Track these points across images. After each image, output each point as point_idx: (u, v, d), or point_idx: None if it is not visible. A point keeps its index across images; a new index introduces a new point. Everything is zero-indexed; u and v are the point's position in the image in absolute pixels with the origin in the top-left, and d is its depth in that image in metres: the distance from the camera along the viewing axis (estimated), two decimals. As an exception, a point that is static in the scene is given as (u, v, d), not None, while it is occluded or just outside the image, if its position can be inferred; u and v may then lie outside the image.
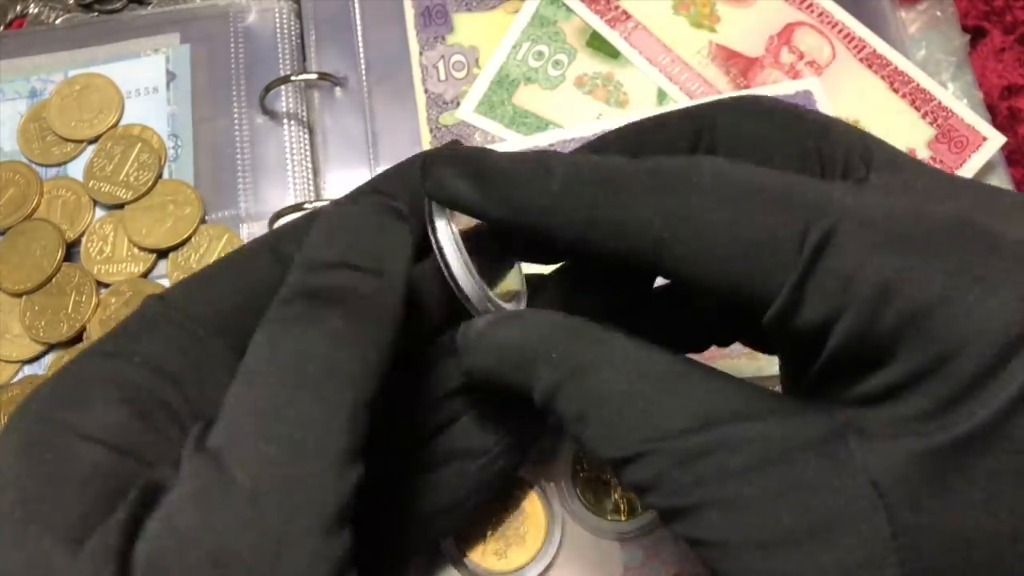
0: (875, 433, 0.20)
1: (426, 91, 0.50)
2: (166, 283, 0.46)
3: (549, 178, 0.23)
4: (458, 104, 0.50)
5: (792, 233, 0.21)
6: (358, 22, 0.52)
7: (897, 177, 0.24)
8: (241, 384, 0.22)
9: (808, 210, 0.21)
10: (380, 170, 0.49)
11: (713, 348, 0.31)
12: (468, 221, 0.27)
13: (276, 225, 0.47)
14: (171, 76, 0.51)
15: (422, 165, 0.26)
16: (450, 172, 0.25)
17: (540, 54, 0.51)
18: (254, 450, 0.20)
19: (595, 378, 0.23)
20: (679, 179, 0.22)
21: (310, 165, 0.50)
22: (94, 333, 0.45)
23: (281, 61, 0.51)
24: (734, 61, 0.50)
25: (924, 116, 0.49)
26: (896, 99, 0.49)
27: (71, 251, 0.47)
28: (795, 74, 0.50)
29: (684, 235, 0.22)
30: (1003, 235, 0.20)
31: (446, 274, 0.26)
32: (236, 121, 0.50)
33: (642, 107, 0.49)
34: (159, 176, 0.48)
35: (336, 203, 0.26)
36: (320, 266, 0.24)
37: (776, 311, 0.21)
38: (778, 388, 0.27)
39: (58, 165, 0.49)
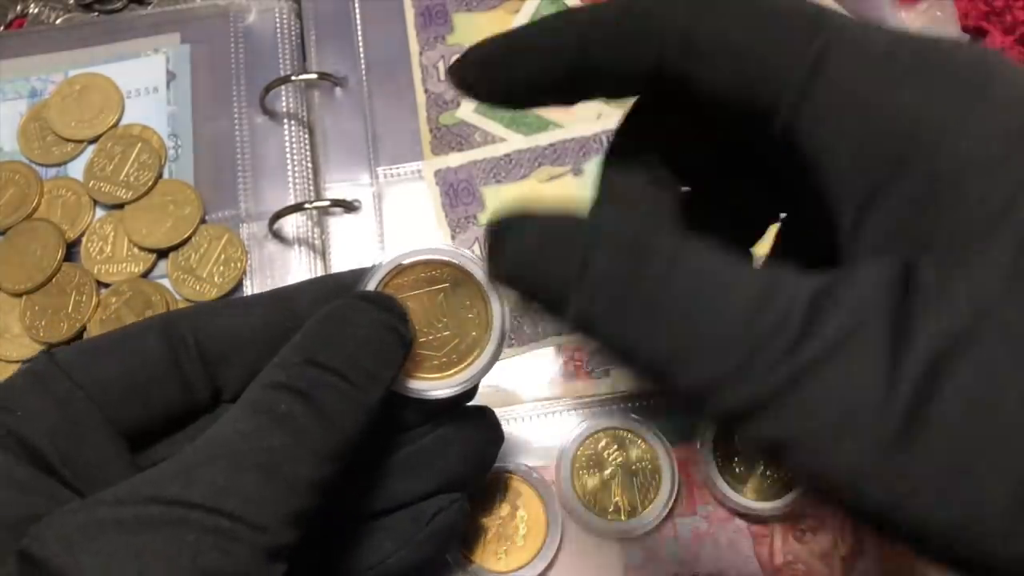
0: (946, 247, 0.19)
1: (426, 91, 0.50)
2: (166, 283, 0.46)
3: (578, 12, 0.24)
4: (458, 104, 0.50)
5: (798, 40, 0.21)
6: (358, 22, 0.52)
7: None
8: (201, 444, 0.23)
9: (812, 22, 0.22)
10: (380, 170, 0.49)
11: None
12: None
13: (275, 225, 0.47)
14: (171, 76, 0.51)
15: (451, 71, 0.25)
16: (477, 48, 0.25)
17: (540, 54, 0.50)
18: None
19: (654, 264, 0.20)
20: None
21: (310, 165, 0.50)
22: (94, 333, 0.45)
23: (281, 61, 0.51)
24: (734, 61, 0.50)
25: (924, 116, 0.49)
26: (896, 99, 0.49)
27: (71, 251, 0.47)
28: (795, 74, 0.50)
29: (707, 33, 0.22)
30: (990, 57, 0.21)
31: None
32: (236, 121, 0.50)
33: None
34: (159, 176, 0.48)
35: (350, 306, 0.27)
36: (315, 366, 0.25)
37: (785, 113, 0.21)
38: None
39: (58, 165, 0.49)
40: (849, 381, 0.18)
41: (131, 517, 0.21)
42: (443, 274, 0.29)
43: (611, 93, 0.25)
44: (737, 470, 0.42)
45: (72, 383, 0.26)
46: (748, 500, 0.41)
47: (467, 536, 0.40)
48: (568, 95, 0.26)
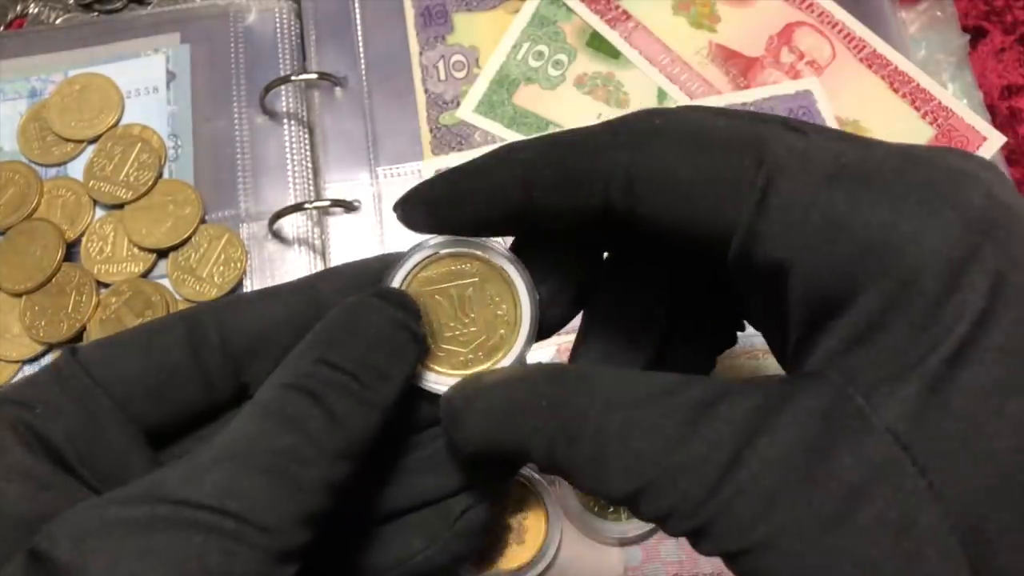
0: (874, 377, 0.20)
1: (426, 91, 0.50)
2: (166, 283, 0.46)
3: (518, 150, 0.25)
4: (458, 104, 0.50)
5: (743, 170, 0.22)
6: (358, 22, 0.52)
7: (828, 132, 0.25)
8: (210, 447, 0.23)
9: (755, 149, 0.22)
10: (380, 170, 0.49)
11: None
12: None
13: (275, 225, 0.47)
14: (171, 76, 0.51)
15: (394, 208, 0.27)
16: (420, 190, 0.26)
17: (540, 54, 0.51)
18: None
19: (593, 415, 0.22)
20: (642, 125, 0.24)
21: (310, 165, 0.50)
22: (94, 333, 0.45)
23: (281, 61, 0.51)
24: (734, 61, 0.50)
25: (924, 116, 0.49)
26: (896, 99, 0.49)
27: (71, 251, 0.47)
28: (795, 74, 0.50)
29: (651, 170, 0.23)
30: (936, 162, 0.21)
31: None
32: (236, 121, 0.50)
33: (642, 107, 0.49)
34: (159, 176, 0.48)
35: (362, 304, 0.26)
36: (325, 366, 0.25)
37: (737, 247, 0.22)
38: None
39: (58, 165, 0.49)
40: (772, 508, 0.20)
41: (139, 517, 0.21)
42: (473, 268, 0.28)
43: (560, 227, 0.26)
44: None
45: (92, 381, 0.26)
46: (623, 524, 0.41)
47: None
48: (516, 230, 0.27)
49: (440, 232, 0.27)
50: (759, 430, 0.21)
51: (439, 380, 0.27)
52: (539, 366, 0.25)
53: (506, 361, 0.28)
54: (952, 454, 0.19)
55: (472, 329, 0.28)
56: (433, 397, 0.27)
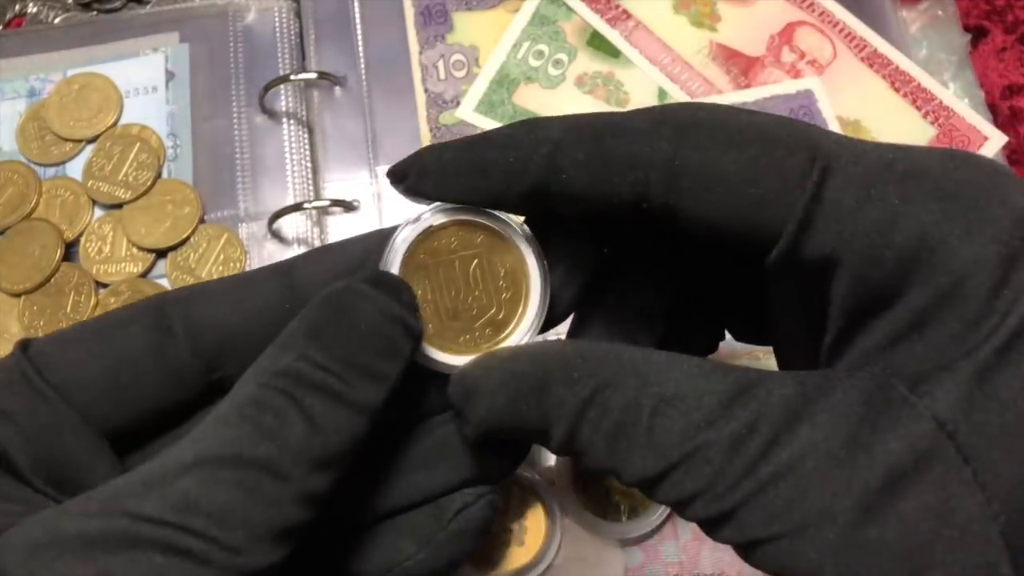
0: (918, 370, 0.20)
1: (426, 90, 0.50)
2: (165, 283, 0.46)
3: (546, 127, 0.23)
4: (458, 103, 0.50)
5: (796, 164, 0.21)
6: (357, 21, 0.52)
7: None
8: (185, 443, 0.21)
9: (807, 144, 0.21)
10: (380, 170, 0.49)
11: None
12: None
13: (274, 225, 0.47)
14: (170, 75, 0.51)
15: (396, 176, 0.25)
16: (432, 154, 0.24)
17: (540, 53, 0.50)
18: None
19: (624, 387, 0.21)
20: (684, 116, 0.22)
21: (309, 165, 0.50)
22: (93, 333, 0.45)
23: (280, 60, 0.51)
24: (735, 60, 0.50)
25: (925, 116, 0.48)
26: (897, 98, 0.49)
27: (70, 251, 0.47)
28: (796, 73, 0.50)
29: (698, 164, 0.22)
30: (978, 161, 0.21)
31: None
32: (235, 120, 0.50)
33: (643, 106, 0.49)
34: (158, 176, 0.48)
35: (351, 291, 0.24)
36: (307, 364, 0.22)
37: (785, 242, 0.21)
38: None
39: (57, 165, 0.49)
40: (809, 492, 0.20)
41: (95, 532, 0.19)
42: (478, 238, 0.26)
43: (576, 214, 0.24)
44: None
45: (44, 382, 0.24)
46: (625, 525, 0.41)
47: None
48: (529, 210, 0.25)
49: (448, 201, 0.25)
50: (799, 417, 0.20)
51: (445, 359, 0.25)
52: (564, 340, 0.24)
53: (517, 335, 0.25)
54: (998, 444, 0.19)
55: (480, 303, 0.26)
56: (433, 376, 0.25)
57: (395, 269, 0.25)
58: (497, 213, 0.25)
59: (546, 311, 0.26)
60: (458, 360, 0.25)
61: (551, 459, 0.42)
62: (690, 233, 0.23)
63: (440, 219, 0.25)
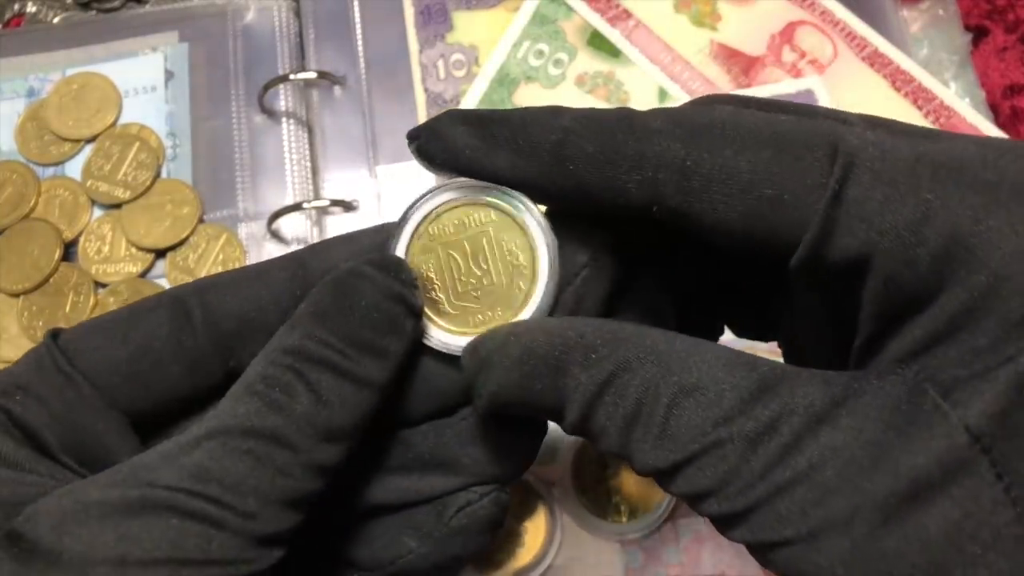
0: (952, 376, 0.19)
1: (426, 90, 0.50)
2: (164, 283, 0.46)
3: (559, 115, 0.23)
4: (458, 103, 0.49)
5: (814, 164, 0.20)
6: (357, 21, 0.52)
7: (899, 125, 0.23)
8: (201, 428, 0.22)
9: (826, 142, 0.21)
10: (380, 169, 0.49)
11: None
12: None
13: (274, 225, 0.47)
14: (169, 75, 0.51)
15: (411, 136, 0.25)
16: (447, 120, 0.24)
17: (540, 53, 0.50)
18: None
19: (643, 373, 0.21)
20: (698, 116, 0.22)
21: (309, 164, 0.49)
22: (92, 333, 0.45)
23: (280, 60, 0.51)
24: (735, 60, 0.50)
25: (926, 115, 0.48)
26: (898, 98, 0.49)
27: (69, 251, 0.47)
28: (797, 73, 0.50)
29: (711, 165, 0.21)
30: (1021, 151, 0.20)
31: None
32: (235, 120, 0.50)
33: (643, 106, 0.49)
34: (157, 175, 0.48)
35: (353, 273, 0.24)
36: (313, 342, 0.23)
37: (808, 245, 0.20)
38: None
39: (56, 164, 0.49)
40: (827, 499, 0.19)
41: (117, 500, 0.21)
42: (487, 217, 0.26)
43: (586, 207, 0.23)
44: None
45: (72, 367, 0.25)
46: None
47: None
48: (537, 198, 0.25)
49: (455, 172, 0.25)
50: (823, 418, 0.20)
51: (453, 340, 0.25)
52: (582, 317, 0.24)
53: (526, 314, 0.25)
54: None
55: (488, 282, 0.26)
56: (445, 358, 0.25)
57: (402, 250, 0.26)
58: (509, 192, 0.25)
59: (556, 292, 0.25)
60: (464, 342, 0.25)
61: (552, 460, 0.42)
62: (707, 236, 0.22)
63: (450, 197, 0.25)
